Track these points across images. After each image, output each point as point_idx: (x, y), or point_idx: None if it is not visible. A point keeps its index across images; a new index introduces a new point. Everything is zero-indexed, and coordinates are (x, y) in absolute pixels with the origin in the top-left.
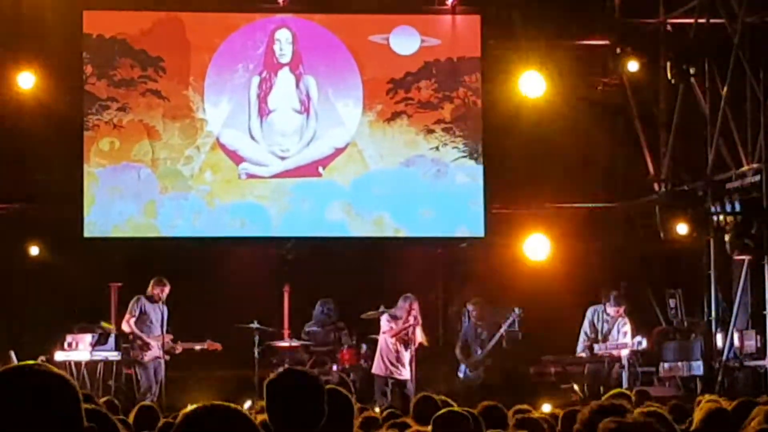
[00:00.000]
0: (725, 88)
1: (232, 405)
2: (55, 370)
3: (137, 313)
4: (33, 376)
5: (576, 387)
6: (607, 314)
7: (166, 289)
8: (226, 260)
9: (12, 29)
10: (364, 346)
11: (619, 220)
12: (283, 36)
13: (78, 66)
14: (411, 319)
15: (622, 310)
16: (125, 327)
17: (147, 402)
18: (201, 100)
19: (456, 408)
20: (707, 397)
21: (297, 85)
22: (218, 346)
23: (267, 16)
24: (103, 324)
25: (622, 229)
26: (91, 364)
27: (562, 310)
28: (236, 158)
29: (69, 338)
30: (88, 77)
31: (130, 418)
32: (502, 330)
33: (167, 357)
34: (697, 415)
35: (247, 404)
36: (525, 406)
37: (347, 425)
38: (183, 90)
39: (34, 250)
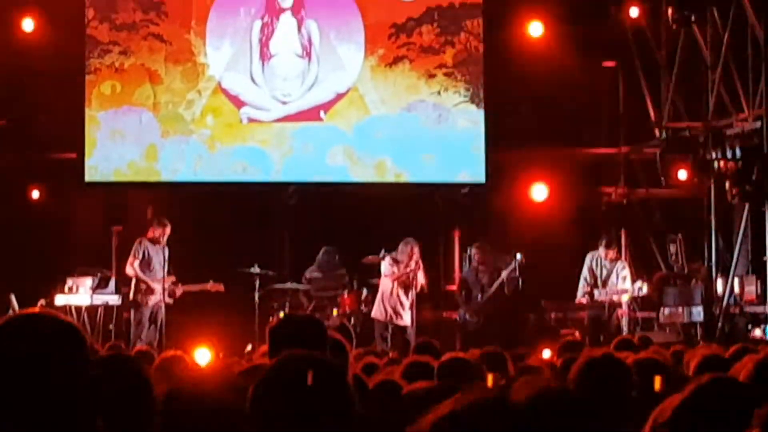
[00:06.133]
0: (726, 34)
1: None
2: (63, 317)
3: (140, 257)
4: (41, 323)
5: (577, 333)
6: (604, 259)
7: (167, 230)
8: (227, 205)
9: None
10: (365, 291)
11: (620, 165)
12: None
13: (80, 9)
14: (412, 264)
15: (612, 252)
16: (129, 270)
17: (143, 347)
18: (203, 44)
19: (459, 354)
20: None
21: (299, 30)
22: (221, 287)
23: None
24: None
25: (624, 174)
26: (92, 309)
27: (563, 256)
28: (238, 102)
29: (69, 282)
30: (90, 21)
31: None
32: (503, 275)
33: (170, 300)
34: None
35: (248, 348)
36: (521, 351)
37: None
38: (185, 34)
39: (35, 194)
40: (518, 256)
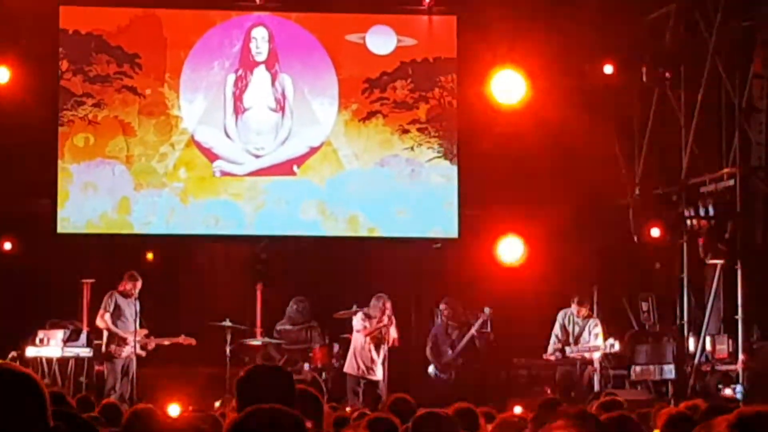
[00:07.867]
0: (700, 93)
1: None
2: (22, 368)
3: (111, 309)
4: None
5: (549, 391)
6: (576, 316)
7: (139, 284)
8: (199, 258)
9: None
10: (336, 346)
11: (592, 223)
12: (260, 34)
13: (54, 61)
14: (385, 319)
15: (585, 309)
16: (100, 323)
17: (111, 399)
18: (176, 97)
19: (434, 409)
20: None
21: (273, 84)
22: (192, 341)
23: (243, 13)
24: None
25: (596, 232)
26: (63, 361)
27: (534, 312)
28: (211, 156)
29: (41, 334)
30: (64, 73)
31: None
32: (472, 330)
33: (143, 353)
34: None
35: (218, 403)
36: (490, 410)
37: (317, 424)
38: (159, 87)
39: (7, 245)
40: (486, 310)
